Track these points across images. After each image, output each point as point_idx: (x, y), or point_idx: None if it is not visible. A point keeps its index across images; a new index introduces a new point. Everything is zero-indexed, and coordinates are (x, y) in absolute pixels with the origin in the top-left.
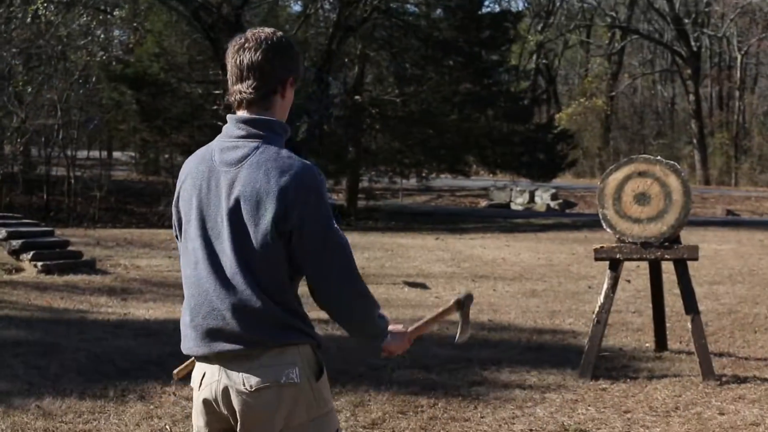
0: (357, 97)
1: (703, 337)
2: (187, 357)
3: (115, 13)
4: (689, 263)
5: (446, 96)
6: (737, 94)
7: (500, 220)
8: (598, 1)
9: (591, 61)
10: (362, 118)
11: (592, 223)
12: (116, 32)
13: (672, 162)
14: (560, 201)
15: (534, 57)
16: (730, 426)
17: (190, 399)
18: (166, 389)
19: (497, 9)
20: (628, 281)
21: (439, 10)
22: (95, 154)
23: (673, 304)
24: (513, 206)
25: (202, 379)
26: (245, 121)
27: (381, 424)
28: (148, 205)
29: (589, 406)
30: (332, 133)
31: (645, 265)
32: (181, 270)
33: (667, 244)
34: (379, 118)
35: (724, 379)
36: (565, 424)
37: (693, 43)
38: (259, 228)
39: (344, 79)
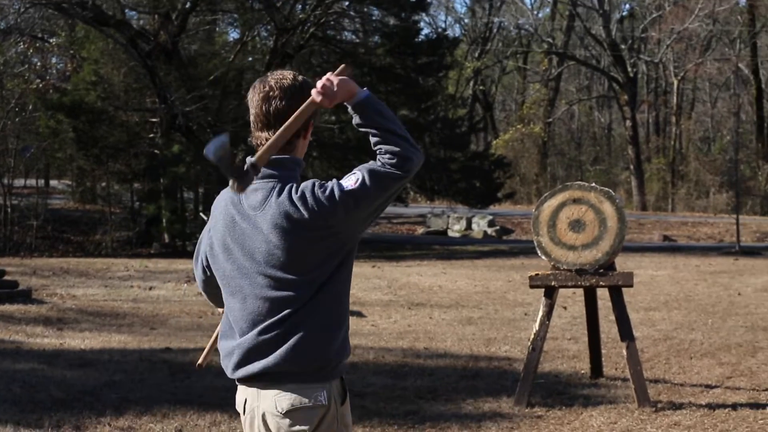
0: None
1: (638, 363)
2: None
3: (51, 41)
4: (625, 289)
5: None
6: (674, 119)
7: (437, 247)
8: (534, 27)
9: (528, 87)
10: None
11: (529, 249)
12: (53, 60)
13: (606, 189)
14: (497, 228)
15: (471, 84)
16: None
17: (125, 429)
18: (101, 420)
19: (434, 36)
20: (565, 308)
21: (376, 37)
22: (32, 182)
23: (609, 331)
24: (450, 233)
25: (245, 405)
26: (274, 163)
27: None
28: (84, 233)
29: None
30: None
31: (581, 291)
32: (224, 298)
33: (602, 270)
34: (316, 146)
35: (659, 405)
36: None
37: (630, 69)
38: (297, 262)
39: None
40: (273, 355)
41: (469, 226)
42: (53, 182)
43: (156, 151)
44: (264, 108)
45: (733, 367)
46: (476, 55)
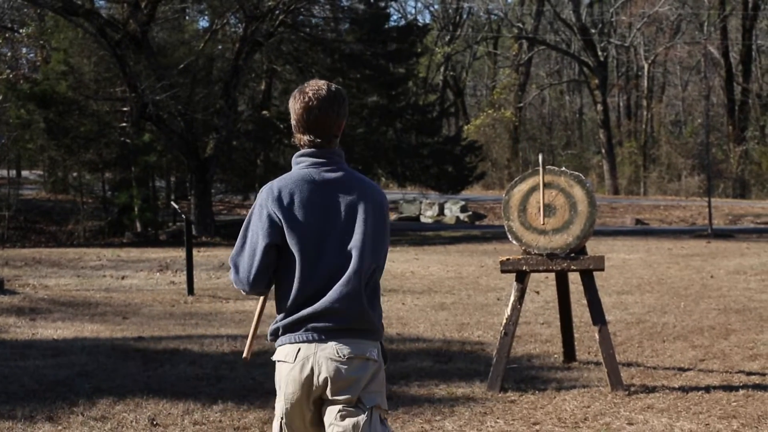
0: (264, 111)
1: (610, 347)
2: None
3: (21, 31)
4: (597, 273)
5: (354, 109)
6: (645, 103)
7: (410, 233)
8: (504, 12)
9: (499, 72)
10: (270, 132)
11: (501, 234)
12: (23, 50)
13: (576, 173)
14: (470, 213)
15: (442, 69)
16: None
17: (98, 419)
18: (74, 409)
19: (403, 22)
20: (537, 292)
21: (345, 24)
22: (3, 173)
23: (582, 315)
24: (423, 219)
25: (297, 354)
26: (327, 153)
27: None
28: (57, 223)
29: (497, 418)
30: (240, 148)
31: (553, 276)
32: (292, 264)
33: (573, 255)
34: (286, 133)
35: (632, 389)
36: None
37: (600, 53)
38: (377, 228)
39: (251, 94)
40: (340, 314)
41: (441, 212)
42: (25, 173)
43: (127, 140)
44: (305, 116)
45: (705, 349)
46: (446, 40)
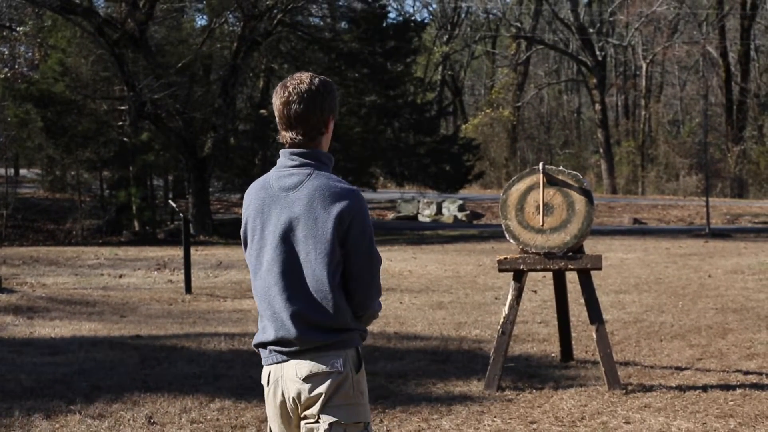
0: (262, 111)
1: (608, 346)
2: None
3: (19, 29)
4: (595, 272)
5: (352, 108)
6: (643, 102)
7: (407, 232)
8: (503, 11)
9: (497, 71)
10: (268, 131)
11: (499, 234)
12: (21, 48)
13: (574, 172)
14: (467, 212)
15: (440, 68)
16: None
17: (95, 417)
18: (71, 408)
19: (401, 21)
20: (535, 291)
21: (343, 23)
22: (1, 171)
23: (579, 314)
24: (420, 218)
25: (268, 377)
26: (297, 154)
27: None
28: (55, 222)
29: (495, 417)
30: (238, 147)
31: (551, 275)
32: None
33: (570, 254)
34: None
35: (629, 388)
36: None
37: (598, 53)
38: (318, 237)
39: (250, 93)
40: (295, 328)
41: (439, 211)
42: (23, 171)
43: (125, 138)
44: (285, 112)
45: (703, 348)
46: (444, 39)
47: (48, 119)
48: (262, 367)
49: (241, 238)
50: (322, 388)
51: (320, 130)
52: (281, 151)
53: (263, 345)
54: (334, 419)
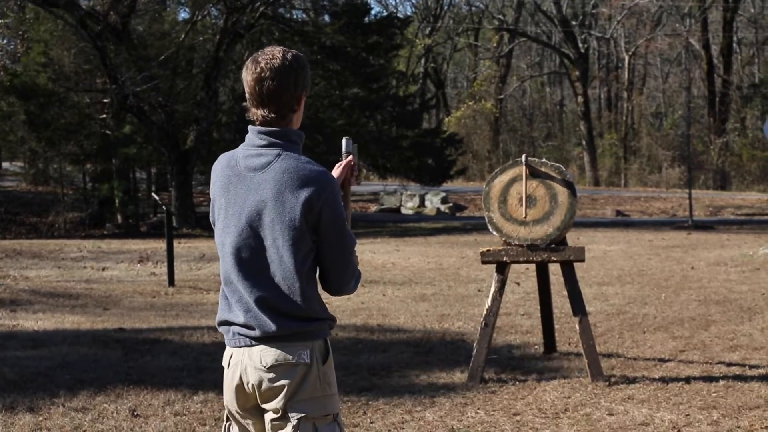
0: (245, 103)
1: (591, 338)
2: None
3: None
4: (578, 264)
5: (334, 101)
6: (625, 95)
7: (390, 224)
8: (485, 4)
9: (479, 64)
10: (251, 124)
11: (482, 226)
12: (3, 41)
13: (557, 164)
14: (450, 204)
15: (422, 61)
16: (619, 426)
17: (78, 410)
18: (55, 401)
19: (384, 13)
20: (518, 284)
21: (326, 16)
22: None
23: (562, 306)
24: (403, 210)
25: (230, 359)
26: (266, 132)
27: None
28: (37, 215)
29: (478, 409)
30: (221, 139)
31: (534, 267)
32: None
33: (553, 246)
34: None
35: (613, 379)
36: (454, 427)
37: (581, 45)
38: (286, 223)
39: (232, 86)
40: (262, 314)
41: (422, 204)
42: (5, 164)
43: (107, 131)
44: (257, 89)
45: (686, 340)
46: (427, 32)
47: (30, 112)
48: None
49: (210, 218)
50: (285, 380)
51: (292, 108)
52: (250, 128)
53: (228, 323)
54: (302, 414)
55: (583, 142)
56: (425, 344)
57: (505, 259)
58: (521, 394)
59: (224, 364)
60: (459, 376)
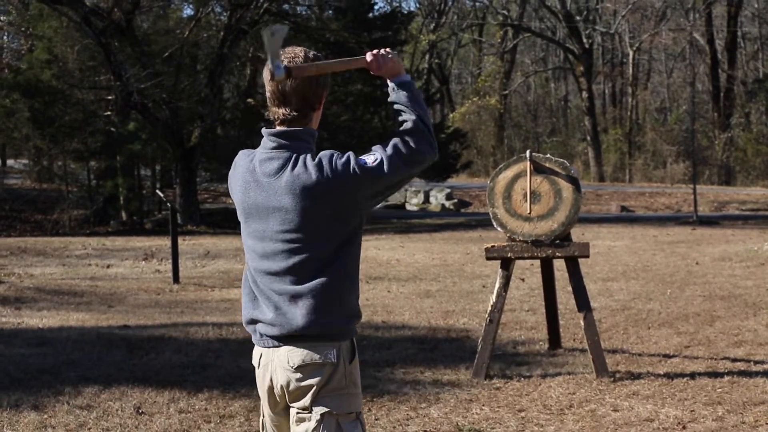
0: (249, 99)
1: (596, 334)
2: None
3: (2, 18)
4: (583, 260)
5: (338, 97)
6: (630, 90)
7: (395, 220)
8: None
9: (484, 59)
10: (255, 120)
11: (487, 222)
12: (5, 38)
13: (561, 160)
14: (455, 201)
15: (427, 57)
16: (624, 422)
17: (83, 407)
18: (60, 398)
19: (388, 9)
20: (522, 279)
21: (330, 11)
22: None
23: (567, 302)
24: (408, 207)
25: (260, 359)
26: (275, 134)
27: None
28: (42, 212)
29: (483, 405)
30: (225, 136)
31: (539, 263)
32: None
33: (558, 241)
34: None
35: (617, 375)
36: (459, 424)
37: (585, 40)
38: (317, 227)
39: (236, 82)
40: (289, 315)
41: (426, 200)
42: (10, 161)
43: (112, 128)
44: (280, 86)
45: (690, 336)
46: (431, 28)
47: (35, 109)
48: (250, 357)
49: (239, 216)
50: (313, 380)
51: (313, 106)
52: (263, 131)
53: (254, 322)
54: (326, 409)
55: (588, 138)
56: (430, 340)
57: (509, 255)
58: (526, 391)
59: (254, 363)
60: (464, 373)
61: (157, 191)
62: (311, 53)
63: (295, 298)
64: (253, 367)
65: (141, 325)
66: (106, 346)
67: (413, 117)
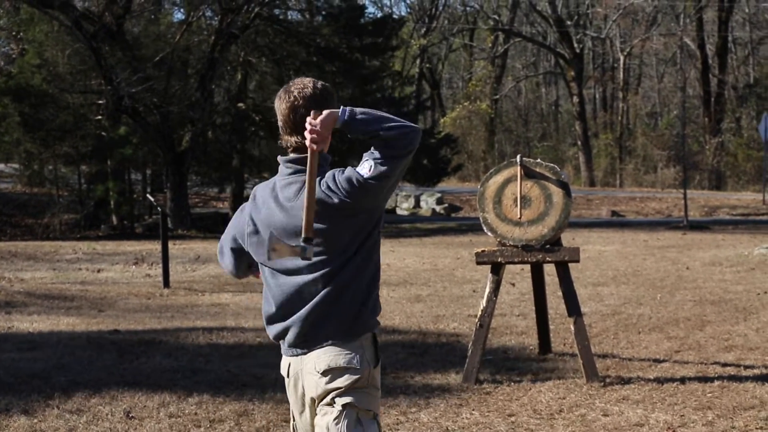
0: (240, 104)
1: (586, 338)
2: None
3: None
4: (573, 265)
5: None
6: (621, 95)
7: (385, 225)
8: (480, 4)
9: (475, 64)
10: (246, 125)
11: (477, 226)
12: None
13: (552, 164)
14: (446, 205)
15: (417, 61)
16: (614, 427)
17: (73, 412)
18: (50, 402)
19: (379, 14)
20: (513, 284)
21: (321, 17)
22: None
23: (557, 307)
24: (399, 211)
25: (288, 368)
26: (291, 161)
27: None
28: (33, 217)
29: (473, 410)
30: (216, 140)
31: (529, 267)
32: (265, 279)
33: (548, 246)
34: (262, 125)
35: (608, 380)
36: (449, 428)
37: (576, 45)
38: (337, 240)
39: (227, 87)
40: (315, 322)
41: (417, 204)
42: (0, 166)
43: (103, 132)
44: (291, 117)
45: (681, 341)
46: (422, 32)
47: (25, 113)
48: (239, 360)
49: (228, 239)
50: (338, 383)
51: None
52: (279, 159)
53: (283, 334)
54: (349, 400)
55: (579, 143)
56: (420, 345)
57: (499, 259)
58: (516, 395)
59: (283, 373)
60: (454, 377)
61: (148, 195)
62: (319, 84)
63: (322, 305)
64: (282, 377)
65: (131, 330)
66: (96, 350)
67: (379, 133)
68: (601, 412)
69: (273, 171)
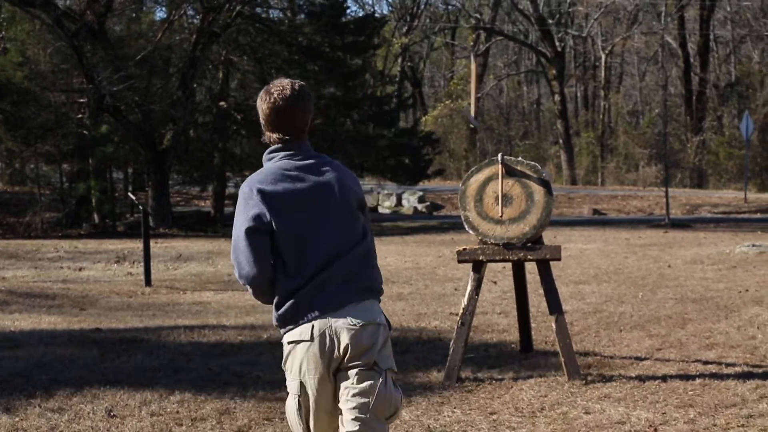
0: (222, 102)
1: (567, 336)
2: None
3: None
4: (554, 263)
5: None
6: (602, 93)
7: None
8: (462, 2)
9: (456, 63)
10: (227, 123)
11: (459, 225)
12: None
13: (533, 163)
14: (427, 204)
15: (399, 60)
16: (595, 425)
17: (55, 410)
18: (31, 401)
19: (361, 13)
20: (494, 282)
21: (302, 15)
22: None
23: (539, 305)
24: (380, 210)
25: (312, 331)
26: (290, 147)
27: (247, 431)
28: (14, 215)
29: (455, 408)
30: (197, 139)
31: (510, 266)
32: (286, 246)
33: (529, 244)
34: (244, 124)
35: (589, 378)
36: (431, 426)
37: (557, 44)
38: (345, 210)
39: (209, 85)
40: (345, 284)
41: (399, 203)
42: None
43: (84, 131)
44: (272, 116)
45: (662, 339)
46: (404, 31)
47: (6, 111)
48: (221, 359)
49: (253, 218)
50: (375, 338)
51: (302, 129)
52: (275, 147)
53: (311, 294)
54: (388, 367)
55: (560, 141)
56: (402, 343)
57: (481, 258)
58: (498, 393)
59: (303, 338)
60: (435, 375)
61: (130, 194)
62: (297, 84)
63: (345, 271)
64: (297, 348)
65: (113, 328)
66: (77, 348)
67: None
68: (582, 410)
69: (254, 169)
